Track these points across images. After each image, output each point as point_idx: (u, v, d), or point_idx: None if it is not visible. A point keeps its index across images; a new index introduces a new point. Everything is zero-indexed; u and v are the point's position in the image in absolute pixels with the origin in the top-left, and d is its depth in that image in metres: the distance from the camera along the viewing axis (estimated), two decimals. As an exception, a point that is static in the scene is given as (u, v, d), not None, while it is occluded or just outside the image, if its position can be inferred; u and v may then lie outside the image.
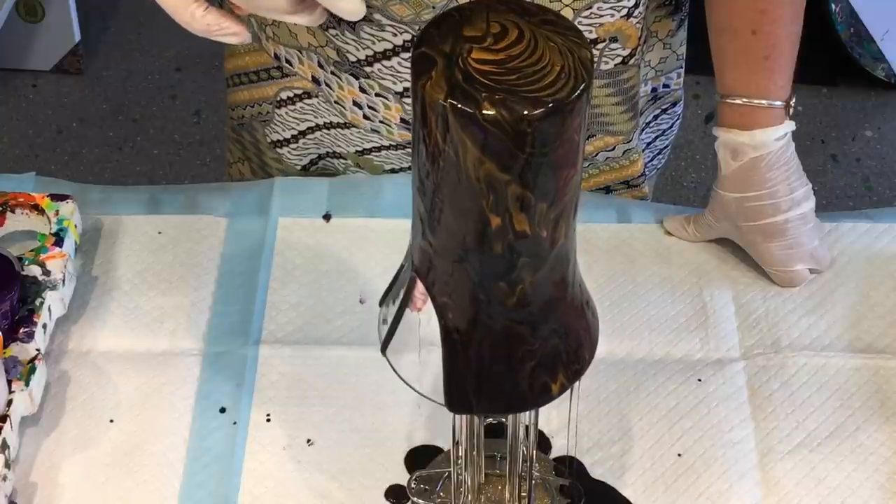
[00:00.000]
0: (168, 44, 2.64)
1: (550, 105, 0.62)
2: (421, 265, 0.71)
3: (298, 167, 1.19)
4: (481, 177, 0.64)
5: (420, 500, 0.91)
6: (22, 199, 1.05)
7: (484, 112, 0.61)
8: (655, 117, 1.21)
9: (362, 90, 1.08)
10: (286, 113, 1.16)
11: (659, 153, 1.26)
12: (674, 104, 1.21)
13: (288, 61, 1.12)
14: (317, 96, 1.12)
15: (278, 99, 1.15)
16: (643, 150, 1.20)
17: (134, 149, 2.47)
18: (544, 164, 0.64)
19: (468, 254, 0.68)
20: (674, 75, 1.18)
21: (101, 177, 2.39)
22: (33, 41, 2.53)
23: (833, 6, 2.49)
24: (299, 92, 1.13)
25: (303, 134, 1.17)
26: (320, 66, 1.09)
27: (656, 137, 1.24)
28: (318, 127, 1.15)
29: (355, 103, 1.10)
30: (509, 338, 0.71)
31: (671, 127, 1.24)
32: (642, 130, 1.19)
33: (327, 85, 1.10)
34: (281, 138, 1.18)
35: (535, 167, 0.64)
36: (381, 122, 1.10)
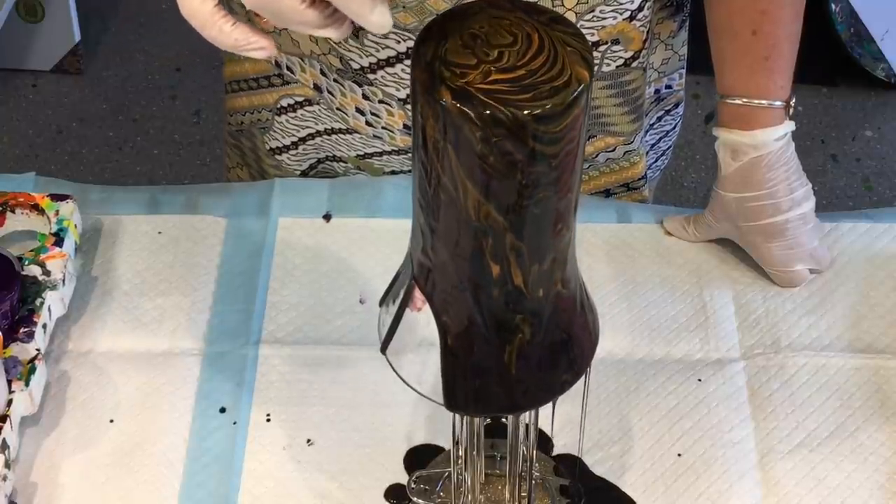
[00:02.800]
0: (168, 44, 2.64)
1: (548, 107, 0.61)
2: (420, 275, 0.71)
3: (298, 172, 1.19)
4: (481, 216, 0.64)
5: (420, 500, 0.91)
6: (22, 199, 1.05)
7: (483, 112, 0.61)
8: (659, 119, 1.21)
9: (365, 97, 1.08)
10: (286, 120, 1.15)
11: (662, 154, 1.26)
12: (676, 105, 1.21)
13: (289, 69, 1.11)
14: (318, 103, 1.12)
15: (279, 106, 1.15)
16: (647, 153, 1.20)
17: (134, 149, 2.46)
18: (538, 213, 0.64)
19: (467, 286, 0.68)
20: (676, 76, 1.17)
21: (101, 177, 2.39)
22: (33, 41, 2.52)
23: (833, 6, 2.49)
24: (300, 99, 1.13)
25: (303, 140, 1.16)
26: (322, 73, 1.09)
27: (660, 139, 1.23)
28: (318, 133, 1.15)
29: (358, 110, 1.09)
30: (509, 348, 0.71)
31: (674, 128, 1.24)
32: (646, 132, 1.19)
33: (329, 92, 1.10)
34: (280, 145, 1.18)
35: (529, 214, 0.64)
36: (383, 128, 1.10)
